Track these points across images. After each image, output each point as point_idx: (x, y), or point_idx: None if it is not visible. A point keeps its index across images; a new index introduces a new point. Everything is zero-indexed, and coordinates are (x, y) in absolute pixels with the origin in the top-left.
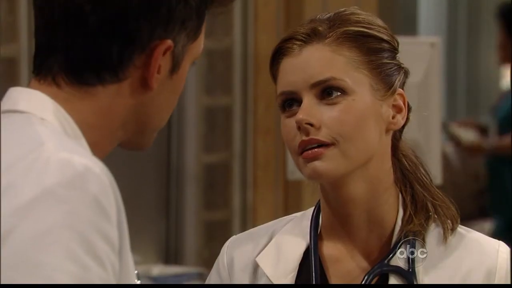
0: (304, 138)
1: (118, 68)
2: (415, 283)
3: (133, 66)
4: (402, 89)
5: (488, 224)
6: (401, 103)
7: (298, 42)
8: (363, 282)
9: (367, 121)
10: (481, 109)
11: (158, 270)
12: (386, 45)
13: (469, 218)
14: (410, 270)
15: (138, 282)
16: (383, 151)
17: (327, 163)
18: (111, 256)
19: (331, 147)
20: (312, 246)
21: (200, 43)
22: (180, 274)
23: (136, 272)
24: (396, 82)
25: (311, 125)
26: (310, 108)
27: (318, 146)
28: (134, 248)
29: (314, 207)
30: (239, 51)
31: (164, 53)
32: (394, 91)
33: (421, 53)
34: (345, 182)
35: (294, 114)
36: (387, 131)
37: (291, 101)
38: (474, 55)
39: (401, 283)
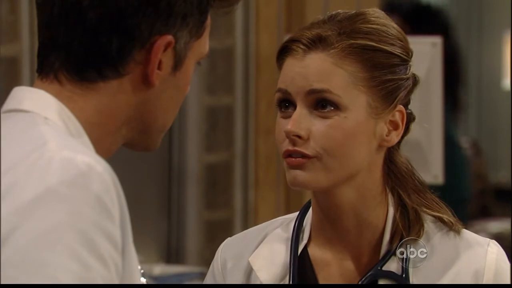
0: (290, 148)
1: (118, 64)
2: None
3: (134, 61)
4: (409, 101)
5: (490, 224)
6: (398, 120)
7: (302, 46)
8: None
9: (356, 140)
10: (482, 108)
11: (160, 269)
12: (394, 60)
13: (471, 217)
14: (404, 275)
15: (144, 281)
16: (373, 165)
17: (308, 174)
18: (114, 255)
19: (313, 159)
20: (293, 252)
21: (205, 42)
22: (182, 273)
23: (142, 271)
24: (398, 98)
25: (299, 137)
26: (301, 119)
27: (302, 157)
28: (135, 247)
29: (299, 211)
30: (240, 51)
31: (165, 49)
32: (394, 108)
33: (423, 52)
34: (332, 189)
35: (288, 116)
36: (379, 147)
37: (286, 103)
38: (476, 54)
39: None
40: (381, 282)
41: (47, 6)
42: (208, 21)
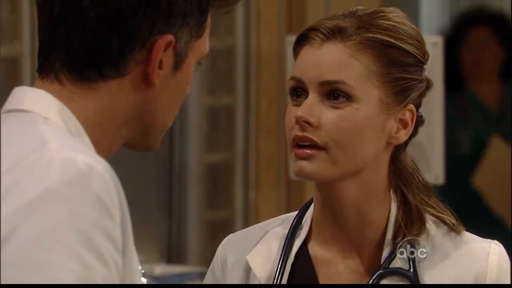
0: (299, 133)
1: (119, 63)
2: (420, 282)
3: (134, 61)
4: (420, 104)
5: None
6: (408, 119)
7: (320, 35)
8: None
9: (365, 133)
10: None
11: (161, 269)
12: (410, 59)
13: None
14: (412, 270)
15: (144, 281)
16: (380, 162)
17: (315, 165)
18: (115, 255)
19: (322, 151)
20: (285, 249)
21: (205, 42)
22: (183, 273)
23: (142, 271)
24: (410, 97)
25: (309, 123)
26: (312, 106)
27: (310, 146)
28: (136, 247)
29: (299, 209)
30: (241, 51)
31: (166, 48)
32: (405, 107)
33: None
34: (336, 184)
35: (300, 105)
36: (387, 144)
37: (299, 91)
38: None
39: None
40: (391, 279)
41: (47, 6)
42: (208, 21)
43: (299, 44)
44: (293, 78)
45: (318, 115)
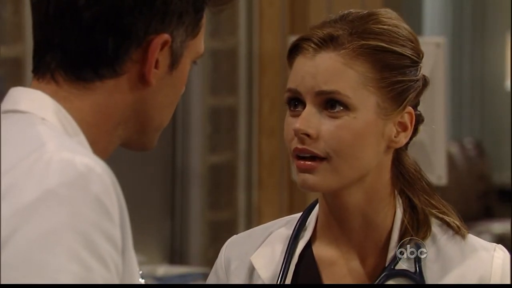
0: (299, 146)
1: (115, 63)
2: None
3: (131, 60)
4: (418, 102)
5: (494, 225)
6: (407, 121)
7: (313, 45)
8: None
9: (365, 140)
10: (485, 108)
11: (163, 270)
12: (405, 61)
13: (474, 218)
14: (418, 272)
15: (142, 282)
16: (382, 166)
17: (318, 177)
18: (114, 256)
19: (323, 162)
20: (289, 250)
21: (200, 41)
22: (185, 274)
23: (140, 272)
24: (408, 99)
25: (308, 135)
26: (310, 118)
27: (311, 158)
28: (139, 248)
29: (304, 210)
30: (244, 51)
31: (162, 47)
32: (403, 109)
33: (426, 53)
34: (341, 192)
35: (298, 115)
36: (388, 148)
37: (296, 101)
38: (479, 55)
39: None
40: (396, 281)
41: (42, 5)
42: (204, 20)
43: (292, 54)
44: (289, 89)
45: (317, 126)
